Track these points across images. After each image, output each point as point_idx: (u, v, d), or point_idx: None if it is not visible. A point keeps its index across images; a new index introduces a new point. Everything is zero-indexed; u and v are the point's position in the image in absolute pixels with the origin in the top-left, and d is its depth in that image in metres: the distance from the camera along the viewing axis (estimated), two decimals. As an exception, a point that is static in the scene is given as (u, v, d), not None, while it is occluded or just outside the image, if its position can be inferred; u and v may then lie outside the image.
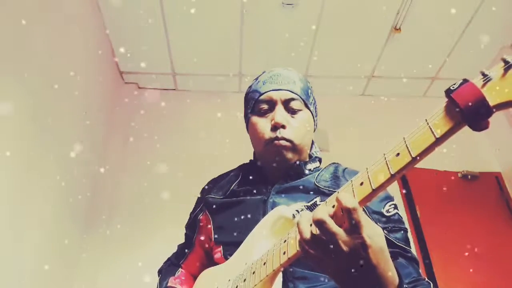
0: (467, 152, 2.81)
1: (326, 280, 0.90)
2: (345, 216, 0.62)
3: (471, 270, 2.61)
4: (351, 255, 0.62)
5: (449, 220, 2.78)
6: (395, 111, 3.34)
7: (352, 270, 0.63)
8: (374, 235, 0.63)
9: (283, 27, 3.01)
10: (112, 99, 3.20)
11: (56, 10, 2.26)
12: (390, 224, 0.94)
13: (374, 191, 0.63)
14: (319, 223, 0.63)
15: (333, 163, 1.18)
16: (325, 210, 0.65)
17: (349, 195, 0.64)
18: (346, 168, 1.14)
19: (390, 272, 0.66)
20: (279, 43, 3.12)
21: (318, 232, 0.64)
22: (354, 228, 0.62)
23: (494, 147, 3.19)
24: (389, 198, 1.00)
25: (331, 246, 0.62)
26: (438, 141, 0.55)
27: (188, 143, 3.14)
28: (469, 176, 3.03)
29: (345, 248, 0.62)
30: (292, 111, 1.13)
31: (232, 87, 3.46)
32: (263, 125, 1.13)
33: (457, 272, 2.61)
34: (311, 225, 0.66)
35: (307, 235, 0.65)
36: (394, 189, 2.76)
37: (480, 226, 2.77)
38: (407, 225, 1.00)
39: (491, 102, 0.51)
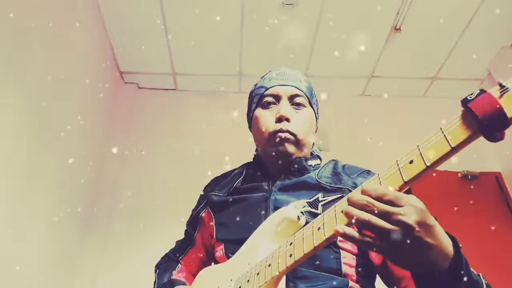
0: (467, 152, 2.80)
1: (327, 280, 0.90)
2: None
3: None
4: (419, 226, 0.60)
5: (449, 220, 2.78)
6: (395, 111, 3.34)
7: (426, 240, 0.61)
8: (416, 200, 0.63)
9: (283, 27, 3.00)
10: (112, 99, 3.19)
11: (56, 10, 2.25)
12: None
13: None
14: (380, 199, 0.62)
15: (332, 160, 1.19)
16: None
17: (372, 184, 0.64)
18: (346, 164, 1.16)
19: (443, 231, 0.66)
20: (279, 43, 3.11)
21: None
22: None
23: (494, 147, 3.20)
24: None
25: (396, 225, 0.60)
26: (454, 150, 0.56)
27: (188, 143, 3.13)
28: (469, 176, 3.04)
29: (408, 220, 0.60)
30: (297, 107, 1.16)
31: (232, 87, 3.45)
32: (267, 117, 1.14)
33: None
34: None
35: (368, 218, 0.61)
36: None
37: (480, 226, 2.78)
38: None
39: (509, 113, 0.51)
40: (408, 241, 0.59)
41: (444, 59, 3.23)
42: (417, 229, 0.59)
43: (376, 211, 0.60)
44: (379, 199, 0.61)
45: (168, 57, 3.20)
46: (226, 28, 3.01)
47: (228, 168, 1.34)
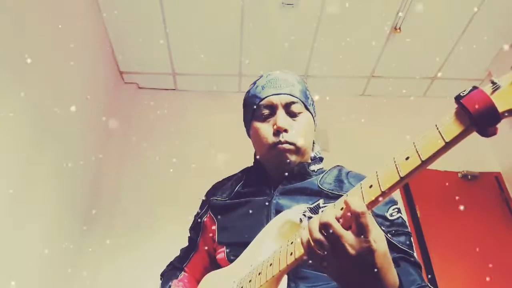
0: (467, 152, 2.81)
1: (328, 280, 0.90)
2: (353, 219, 0.63)
3: (471, 270, 2.61)
4: (356, 258, 0.63)
5: (449, 220, 2.79)
6: (395, 111, 3.35)
7: (356, 273, 0.64)
8: (379, 239, 0.64)
9: (283, 27, 3.01)
10: (112, 99, 3.19)
11: (56, 10, 2.26)
12: (394, 227, 0.94)
13: (383, 194, 0.64)
14: (326, 226, 0.64)
15: (337, 166, 1.18)
16: (332, 212, 0.66)
17: (358, 199, 0.65)
18: (350, 171, 1.14)
19: (392, 276, 0.68)
20: (279, 43, 3.12)
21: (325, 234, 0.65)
22: (361, 232, 0.63)
23: (494, 147, 3.20)
24: (392, 202, 1.00)
25: (337, 249, 0.63)
26: (448, 145, 0.56)
27: (188, 143, 3.14)
28: (469, 176, 3.04)
29: (351, 251, 0.63)
30: (293, 115, 1.14)
31: (232, 87, 3.46)
32: (265, 130, 1.13)
33: (457, 272, 2.61)
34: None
35: (316, 236, 0.66)
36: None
37: (480, 226, 2.78)
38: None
39: (500, 108, 0.52)
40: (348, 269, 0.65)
41: (444, 59, 3.23)
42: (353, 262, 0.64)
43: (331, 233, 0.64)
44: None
45: (168, 57, 3.21)
46: (226, 28, 3.01)
47: (227, 167, 1.34)
